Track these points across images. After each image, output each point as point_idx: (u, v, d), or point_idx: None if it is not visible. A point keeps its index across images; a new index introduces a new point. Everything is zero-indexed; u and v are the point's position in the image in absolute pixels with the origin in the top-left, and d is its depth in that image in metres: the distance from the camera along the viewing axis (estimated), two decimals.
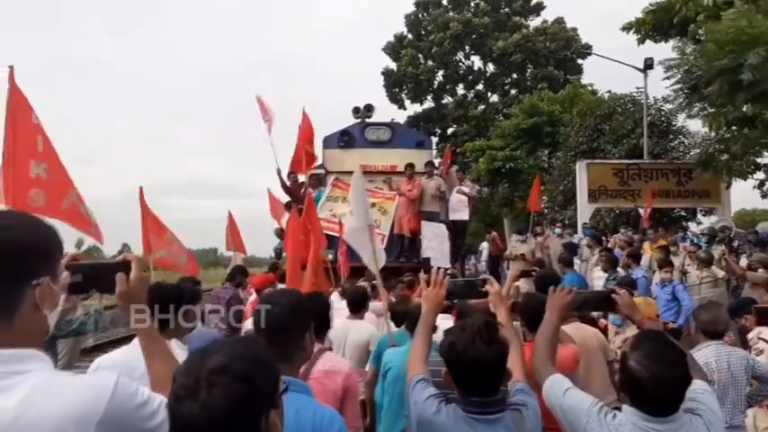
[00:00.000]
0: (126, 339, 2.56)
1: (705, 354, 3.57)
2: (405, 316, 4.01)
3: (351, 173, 10.62)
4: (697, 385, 1.98)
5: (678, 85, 12.62)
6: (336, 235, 7.88)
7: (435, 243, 9.38)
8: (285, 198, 11.31)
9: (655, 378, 1.78)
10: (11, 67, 3.94)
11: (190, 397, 1.10)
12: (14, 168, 3.82)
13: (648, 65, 16.60)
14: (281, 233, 11.44)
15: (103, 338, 12.36)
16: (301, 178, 11.00)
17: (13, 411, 1.15)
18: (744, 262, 9.24)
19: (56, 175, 4.11)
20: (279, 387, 1.23)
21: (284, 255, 10.05)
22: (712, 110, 12.12)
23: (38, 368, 1.23)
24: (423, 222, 9.68)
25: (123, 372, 1.64)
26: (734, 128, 12.53)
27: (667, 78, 12.72)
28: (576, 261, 9.88)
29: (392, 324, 4.45)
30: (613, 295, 2.45)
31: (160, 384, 1.47)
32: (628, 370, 1.84)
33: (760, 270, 8.20)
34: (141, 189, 6.99)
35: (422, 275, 2.73)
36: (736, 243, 11.58)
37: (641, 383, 1.80)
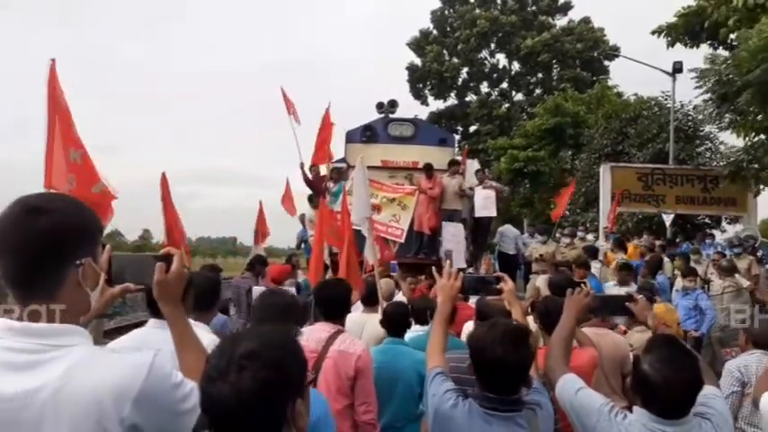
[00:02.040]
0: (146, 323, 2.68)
1: (746, 359, 3.59)
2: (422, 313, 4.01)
3: (372, 168, 10.75)
4: (708, 390, 2.00)
5: (707, 95, 12.43)
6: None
7: (452, 243, 9.38)
8: (307, 191, 11.41)
9: (667, 381, 1.81)
10: (53, 60, 4.08)
11: (221, 378, 1.15)
12: (57, 154, 3.98)
13: (677, 69, 16.35)
14: (303, 218, 11.54)
15: (125, 321, 12.69)
16: (323, 171, 11.12)
17: (56, 383, 1.22)
18: None
19: (88, 162, 4.26)
20: (306, 376, 1.26)
21: (305, 245, 10.17)
22: (740, 120, 11.95)
23: (79, 343, 1.30)
24: (443, 223, 9.68)
25: None
26: (762, 136, 12.33)
27: (699, 87, 12.54)
28: (597, 265, 9.82)
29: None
30: (630, 301, 2.47)
31: (194, 374, 1.49)
32: (640, 372, 1.87)
33: None
34: (164, 174, 6.60)
35: (435, 270, 2.77)
36: (760, 253, 11.40)
37: (653, 386, 1.83)
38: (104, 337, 8.66)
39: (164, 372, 1.33)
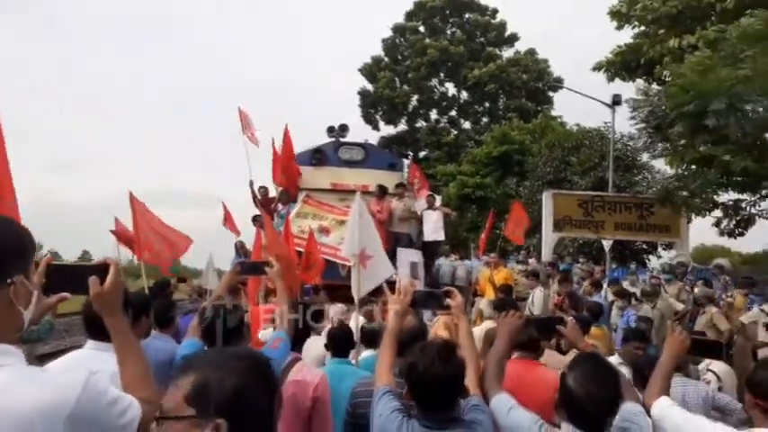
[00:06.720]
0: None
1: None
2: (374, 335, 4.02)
3: (322, 190, 10.76)
4: (632, 406, 2.11)
5: (642, 125, 13.10)
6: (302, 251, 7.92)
7: (409, 270, 9.41)
8: (254, 211, 11.32)
9: (589, 396, 1.90)
10: None
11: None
12: None
13: (616, 101, 17.18)
14: (242, 248, 11.32)
15: (62, 346, 12.12)
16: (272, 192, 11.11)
17: None
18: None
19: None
20: None
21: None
22: (672, 150, 12.62)
23: (10, 363, 1.28)
24: (399, 249, 9.73)
25: None
26: (693, 167, 13.04)
27: (632, 118, 13.21)
28: (540, 288, 10.10)
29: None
30: (561, 323, 2.59)
31: (133, 385, 1.51)
32: (565, 388, 1.96)
33: (709, 306, 8.36)
34: (131, 193, 6.68)
35: (385, 286, 2.77)
36: (690, 278, 11.98)
37: (577, 401, 1.92)
38: (39, 361, 8.24)
39: (97, 389, 1.33)
